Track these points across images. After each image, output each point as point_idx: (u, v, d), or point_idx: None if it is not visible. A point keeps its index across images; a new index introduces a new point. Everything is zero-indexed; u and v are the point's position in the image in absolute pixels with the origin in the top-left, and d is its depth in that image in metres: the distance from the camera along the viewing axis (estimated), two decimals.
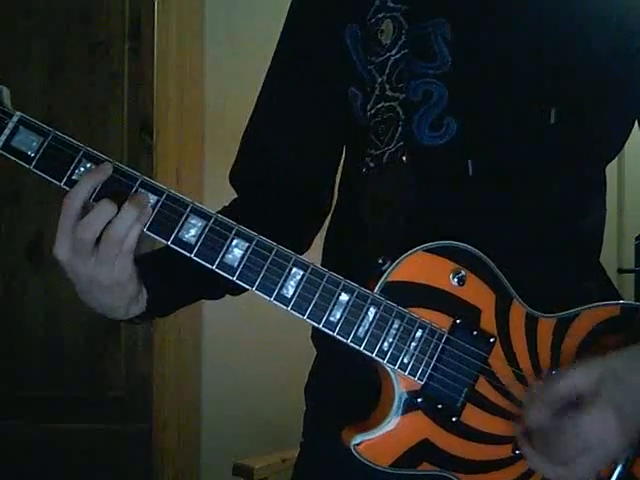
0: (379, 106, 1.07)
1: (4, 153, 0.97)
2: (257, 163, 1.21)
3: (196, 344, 2.96)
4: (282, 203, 1.18)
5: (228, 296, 1.15)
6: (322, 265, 1.02)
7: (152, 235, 0.96)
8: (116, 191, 0.95)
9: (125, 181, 0.96)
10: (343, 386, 1.12)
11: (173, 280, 1.07)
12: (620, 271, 2.95)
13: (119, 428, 2.55)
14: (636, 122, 1.13)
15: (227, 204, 1.20)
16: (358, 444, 0.98)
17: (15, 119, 0.96)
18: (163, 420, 2.62)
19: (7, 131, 0.96)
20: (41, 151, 0.96)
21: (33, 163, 0.96)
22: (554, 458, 0.94)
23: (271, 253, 0.97)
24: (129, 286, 0.98)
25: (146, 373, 2.56)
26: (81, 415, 2.56)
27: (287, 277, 0.97)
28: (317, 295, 0.97)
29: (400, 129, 1.05)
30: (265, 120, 1.21)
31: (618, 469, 0.99)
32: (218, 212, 0.99)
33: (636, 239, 2.78)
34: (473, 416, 1.00)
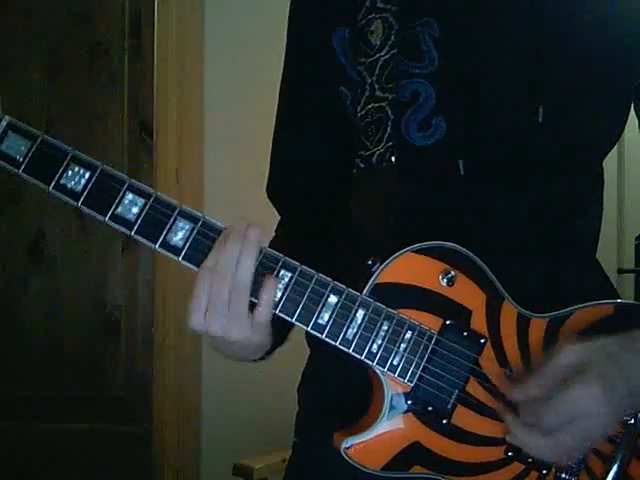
0: (369, 107, 1.06)
1: None
2: (286, 175, 1.22)
3: (196, 344, 2.95)
4: (319, 208, 1.19)
5: None
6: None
7: (139, 238, 0.96)
8: (104, 193, 0.95)
9: (112, 184, 0.96)
10: (337, 385, 1.12)
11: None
12: (620, 271, 2.94)
13: (119, 428, 2.55)
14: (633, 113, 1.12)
15: (277, 230, 1.21)
16: (348, 447, 0.98)
17: (4, 123, 0.96)
18: (163, 420, 2.62)
19: None
20: (29, 156, 0.95)
21: (22, 168, 0.95)
22: (537, 428, 0.92)
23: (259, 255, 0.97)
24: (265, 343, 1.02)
25: (146, 373, 2.56)
26: (81, 415, 2.56)
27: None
28: (305, 297, 0.96)
29: (389, 130, 1.04)
30: (285, 128, 1.21)
31: (614, 469, 0.98)
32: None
33: (636, 239, 2.77)
34: (464, 418, 0.98)
